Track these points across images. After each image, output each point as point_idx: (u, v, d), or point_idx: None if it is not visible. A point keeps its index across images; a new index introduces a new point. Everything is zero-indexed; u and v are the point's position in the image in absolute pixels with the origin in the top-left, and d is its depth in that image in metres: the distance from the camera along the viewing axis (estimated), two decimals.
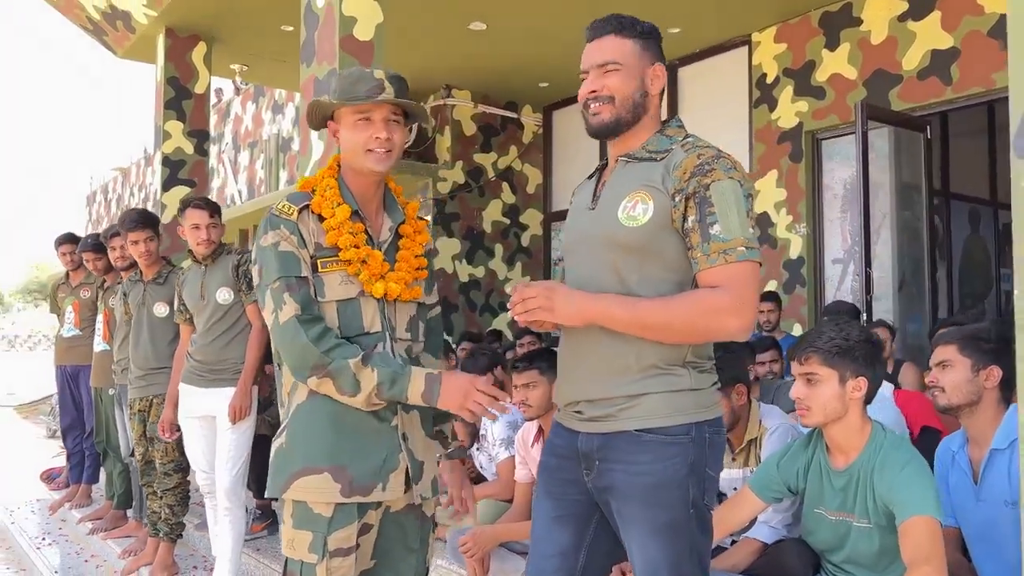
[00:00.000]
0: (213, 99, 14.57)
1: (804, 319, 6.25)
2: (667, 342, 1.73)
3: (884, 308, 5.60)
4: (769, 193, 6.53)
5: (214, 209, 3.67)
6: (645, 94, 1.82)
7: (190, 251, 3.71)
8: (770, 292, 5.99)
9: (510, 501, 3.40)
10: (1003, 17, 4.96)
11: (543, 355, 3.10)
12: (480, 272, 8.50)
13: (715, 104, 7.05)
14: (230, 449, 3.58)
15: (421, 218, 2.14)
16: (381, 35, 4.09)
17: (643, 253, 1.75)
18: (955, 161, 7.52)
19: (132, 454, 4.45)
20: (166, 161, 6.36)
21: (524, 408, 3.11)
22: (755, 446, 2.76)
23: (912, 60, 5.65)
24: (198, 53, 6.57)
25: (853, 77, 5.99)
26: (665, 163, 1.77)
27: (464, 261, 8.42)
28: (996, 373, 2.25)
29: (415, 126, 2.00)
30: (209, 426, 3.68)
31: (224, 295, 3.62)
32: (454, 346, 6.19)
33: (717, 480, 1.84)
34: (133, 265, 4.35)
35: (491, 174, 8.63)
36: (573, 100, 7.88)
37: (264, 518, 4.42)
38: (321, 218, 1.91)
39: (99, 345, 5.02)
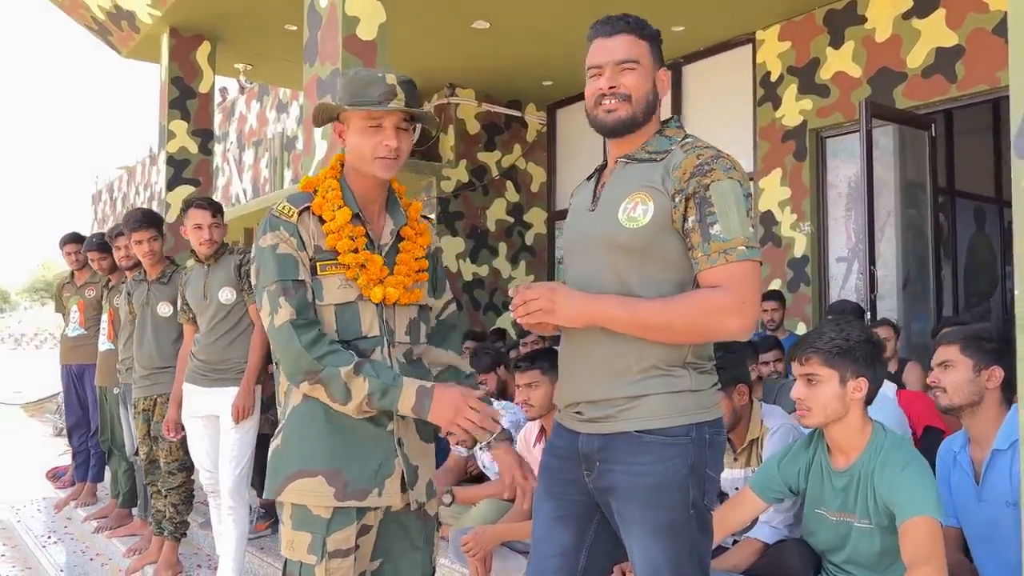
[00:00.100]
0: (218, 98, 14.59)
1: (808, 318, 6.24)
2: (668, 342, 1.73)
3: (888, 307, 5.59)
4: (773, 191, 6.52)
5: (216, 209, 3.68)
6: (656, 96, 1.83)
7: (193, 251, 3.72)
8: (774, 291, 5.99)
9: (512, 501, 3.40)
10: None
11: (545, 355, 3.10)
12: (484, 271, 8.51)
13: (719, 102, 7.04)
14: (233, 448, 3.59)
15: (426, 217, 2.13)
16: (384, 35, 4.10)
17: (644, 254, 1.75)
18: (960, 159, 7.50)
19: (136, 453, 4.47)
20: (170, 160, 6.38)
21: (526, 408, 3.12)
22: (756, 446, 2.76)
23: (917, 58, 5.63)
24: (202, 53, 6.58)
25: (857, 75, 5.97)
26: (665, 164, 1.77)
27: (468, 260, 8.42)
28: (998, 373, 2.25)
29: (418, 126, 1.98)
30: (213, 425, 3.69)
31: (227, 295, 3.63)
32: None
33: (717, 481, 1.84)
34: (137, 264, 4.37)
35: (495, 173, 8.63)
36: (577, 98, 7.87)
37: (268, 517, 4.43)
38: (322, 220, 1.90)
39: (104, 344, 5.04)
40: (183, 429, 3.82)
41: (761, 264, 1.75)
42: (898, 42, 5.73)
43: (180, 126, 6.42)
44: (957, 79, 5.42)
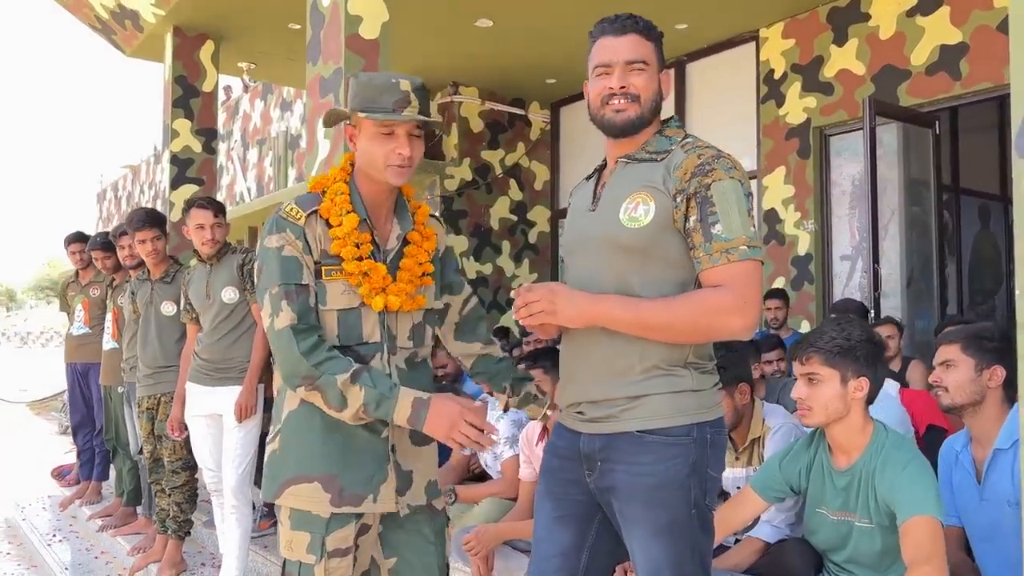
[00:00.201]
0: (222, 96, 14.61)
1: (812, 316, 6.23)
2: (670, 342, 1.73)
3: (892, 305, 5.58)
4: (777, 189, 6.51)
5: (218, 209, 3.69)
6: (661, 97, 1.83)
7: (195, 250, 3.73)
8: (778, 289, 5.98)
9: (515, 499, 3.40)
10: None
11: (547, 354, 3.10)
12: (488, 269, 8.51)
13: (723, 100, 7.02)
14: (236, 447, 3.60)
15: (436, 217, 2.12)
16: (387, 34, 4.10)
17: (645, 254, 1.75)
18: (965, 156, 7.48)
19: (140, 452, 4.48)
20: (174, 159, 6.39)
21: None
22: (758, 445, 2.76)
23: (921, 55, 5.61)
24: (206, 52, 6.59)
25: (861, 73, 5.96)
26: (665, 164, 1.77)
27: (471, 258, 8.42)
28: (999, 373, 2.24)
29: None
30: (216, 424, 3.70)
31: (229, 294, 3.64)
32: None
33: (718, 480, 1.85)
34: (141, 264, 4.38)
35: (498, 171, 8.63)
36: (581, 96, 7.86)
37: (271, 515, 4.44)
38: (329, 224, 1.89)
39: (108, 343, 5.05)
40: (186, 428, 3.83)
41: (763, 263, 1.75)
42: (902, 39, 5.72)
43: (184, 125, 6.43)
44: (961, 76, 5.40)
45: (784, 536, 2.51)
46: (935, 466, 2.36)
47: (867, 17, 5.93)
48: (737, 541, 2.61)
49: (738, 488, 2.67)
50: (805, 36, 6.34)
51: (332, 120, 1.98)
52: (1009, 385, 2.24)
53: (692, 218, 1.71)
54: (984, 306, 7.61)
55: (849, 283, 6.16)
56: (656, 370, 1.75)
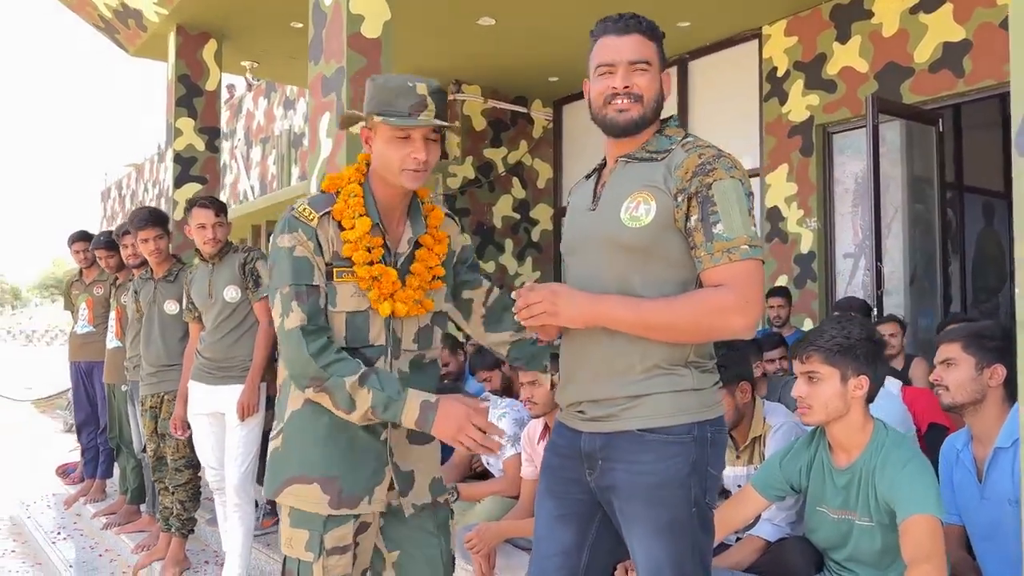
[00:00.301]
0: (225, 95, 14.64)
1: (815, 314, 6.22)
2: (672, 342, 1.74)
3: (896, 303, 5.57)
4: (780, 187, 6.50)
5: (220, 208, 3.70)
6: (663, 97, 1.83)
7: (197, 250, 3.74)
8: (780, 287, 5.98)
9: (516, 497, 3.41)
10: None
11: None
12: (490, 267, 8.51)
13: (725, 98, 7.01)
14: (239, 446, 3.62)
15: (451, 216, 2.11)
16: (389, 32, 4.10)
17: (646, 253, 1.75)
18: (969, 154, 7.45)
19: (144, 450, 4.50)
20: (178, 158, 6.40)
21: (530, 405, 3.12)
22: (759, 444, 2.76)
23: (924, 53, 5.60)
24: (209, 50, 6.60)
25: (864, 70, 5.94)
26: (666, 163, 1.77)
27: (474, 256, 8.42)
28: (1000, 371, 2.24)
29: None
30: (218, 423, 3.72)
31: (231, 293, 3.65)
32: (463, 342, 6.20)
33: (719, 479, 1.85)
34: (145, 263, 4.39)
35: (501, 169, 8.63)
36: (583, 94, 7.86)
37: (274, 513, 4.45)
38: (341, 226, 1.89)
39: (112, 342, 5.07)
40: (189, 427, 3.84)
41: (763, 262, 1.75)
42: (905, 37, 5.70)
43: (187, 124, 6.43)
44: (965, 74, 5.39)
45: (785, 534, 2.52)
46: (937, 464, 2.36)
47: (870, 14, 5.92)
48: (738, 539, 2.61)
49: (739, 486, 2.67)
50: (808, 34, 6.33)
51: (347, 123, 1.97)
52: (1010, 384, 2.23)
53: (693, 217, 1.71)
54: (988, 304, 7.59)
55: (852, 281, 6.15)
56: (657, 369, 1.75)
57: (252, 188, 14.10)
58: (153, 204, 18.49)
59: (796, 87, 6.39)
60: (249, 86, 14.15)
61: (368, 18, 4.02)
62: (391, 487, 1.96)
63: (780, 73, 6.51)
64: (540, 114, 8.82)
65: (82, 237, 5.66)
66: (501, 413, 3.65)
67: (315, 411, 1.91)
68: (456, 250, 2.11)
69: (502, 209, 8.63)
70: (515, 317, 1.79)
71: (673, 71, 7.20)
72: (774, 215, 6.51)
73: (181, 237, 5.62)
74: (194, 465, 4.03)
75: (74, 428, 6.49)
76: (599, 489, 1.82)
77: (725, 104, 7.00)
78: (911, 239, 5.71)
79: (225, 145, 14.80)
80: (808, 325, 6.10)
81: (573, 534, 1.88)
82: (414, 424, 1.81)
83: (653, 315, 1.70)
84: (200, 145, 6.47)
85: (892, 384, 3.55)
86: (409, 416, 1.81)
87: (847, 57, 6.05)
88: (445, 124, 1.88)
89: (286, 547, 1.95)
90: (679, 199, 1.72)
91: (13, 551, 5.30)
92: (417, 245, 1.99)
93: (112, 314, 5.09)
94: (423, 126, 1.85)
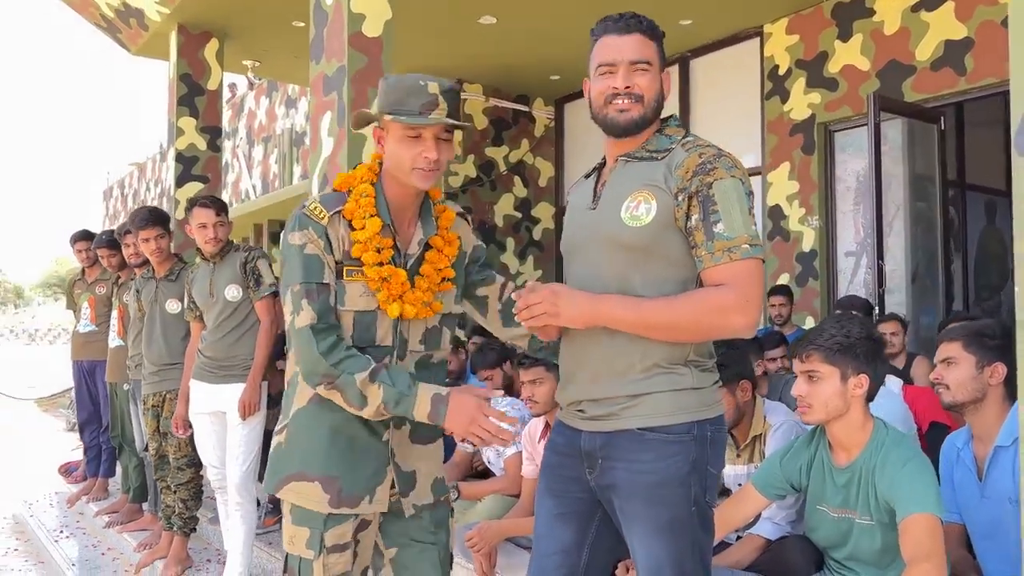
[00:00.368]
0: (227, 94, 14.65)
1: (817, 312, 6.22)
2: (672, 341, 1.74)
3: (897, 301, 5.57)
4: (781, 185, 6.50)
5: (221, 207, 3.71)
6: (663, 97, 1.83)
7: (198, 249, 3.75)
8: (782, 286, 5.98)
9: (517, 496, 3.41)
10: None
11: None
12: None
13: (727, 96, 7.01)
14: (240, 445, 3.62)
15: (464, 216, 2.10)
16: (390, 31, 4.10)
17: (646, 252, 1.75)
18: (971, 151, 7.44)
19: (146, 449, 4.51)
20: (179, 157, 6.40)
21: (531, 404, 3.13)
22: (759, 442, 2.76)
23: (925, 51, 5.59)
24: (210, 50, 6.60)
25: (866, 68, 5.94)
26: (667, 162, 1.77)
27: None
28: (1000, 370, 2.24)
29: None
30: (219, 422, 3.72)
31: (233, 292, 3.65)
32: (464, 340, 6.21)
33: (718, 478, 1.85)
34: (146, 262, 4.40)
35: (503, 168, 8.63)
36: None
37: (276, 512, 4.46)
38: (352, 226, 1.88)
39: (114, 341, 5.08)
40: (191, 426, 3.85)
41: (764, 262, 1.75)
42: (907, 35, 5.70)
43: (189, 123, 6.44)
44: (966, 72, 5.38)
45: (785, 533, 2.52)
46: (938, 463, 2.36)
47: (871, 12, 5.91)
48: (738, 538, 2.61)
49: (739, 485, 2.68)
50: (809, 32, 6.32)
51: (360, 123, 1.97)
52: (1010, 382, 2.23)
53: (694, 217, 1.71)
54: (990, 302, 7.58)
55: (854, 279, 6.15)
56: (657, 368, 1.75)
57: (254, 187, 14.11)
58: (155, 203, 18.53)
59: (798, 85, 6.38)
60: (251, 85, 14.14)
61: (369, 17, 4.03)
62: (392, 487, 1.96)
63: (782, 71, 6.51)
64: (542, 113, 8.81)
65: (84, 236, 5.67)
66: (502, 411, 3.66)
67: (319, 410, 1.91)
68: (467, 251, 2.10)
69: (503, 208, 8.63)
70: (515, 318, 1.79)
71: (675, 69, 7.20)
72: (776, 213, 6.51)
73: (182, 236, 5.63)
74: (196, 464, 4.04)
75: (77, 427, 6.51)
76: (599, 488, 1.83)
77: (727, 102, 6.99)
78: (913, 237, 5.70)
79: (227, 144, 14.81)
80: (810, 323, 6.10)
81: (573, 533, 1.89)
82: (426, 418, 1.81)
83: (653, 314, 1.71)
84: (202, 144, 6.47)
85: (893, 383, 3.55)
86: (421, 410, 1.80)
87: (849, 55, 6.05)
88: (455, 123, 1.87)
89: (288, 544, 1.95)
90: (680, 198, 1.72)
91: (16, 549, 5.32)
92: (427, 246, 1.98)
93: (114, 313, 5.10)
94: (433, 124, 1.84)
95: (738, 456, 2.80)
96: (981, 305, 7.43)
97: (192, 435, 3.88)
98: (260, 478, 4.02)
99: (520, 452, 3.48)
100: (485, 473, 3.98)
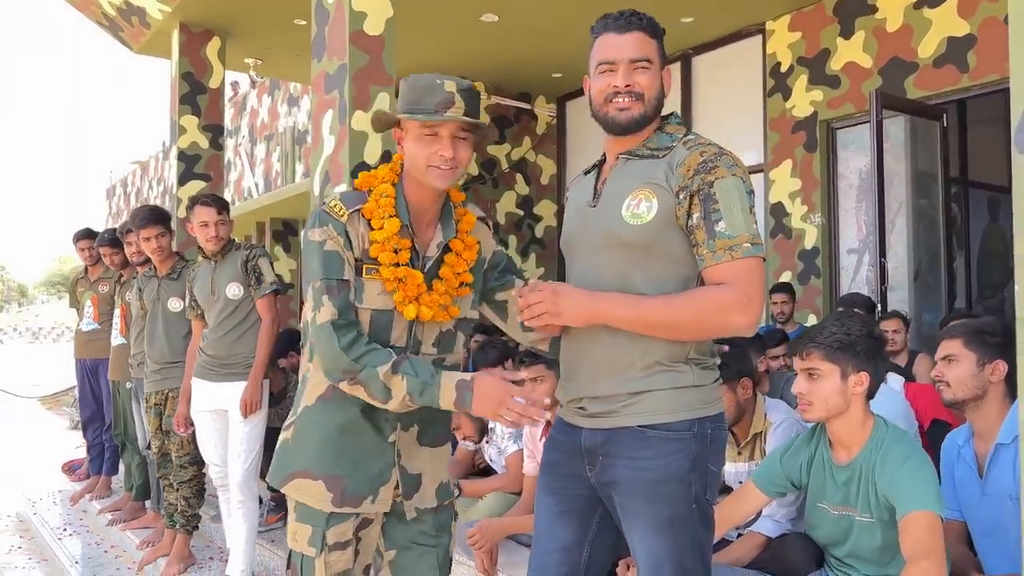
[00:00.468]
0: (229, 92, 14.65)
1: (819, 310, 6.21)
2: (673, 339, 1.74)
3: (900, 298, 5.56)
4: (784, 183, 6.49)
5: (222, 206, 3.71)
6: (663, 95, 1.83)
7: (200, 247, 3.75)
8: (784, 283, 5.97)
9: (519, 494, 3.42)
10: None
11: None
12: None
13: (729, 93, 7.00)
14: (242, 443, 3.63)
15: (485, 221, 2.08)
16: (391, 30, 4.10)
17: (647, 251, 1.76)
18: (974, 148, 7.43)
19: (149, 447, 4.52)
20: (182, 156, 6.41)
21: None
22: (760, 440, 2.77)
23: (928, 48, 5.58)
24: (212, 48, 6.60)
25: (868, 65, 5.93)
26: (667, 160, 1.78)
27: None
28: (1001, 367, 2.24)
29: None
30: (221, 420, 3.73)
31: (234, 290, 3.66)
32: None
33: (719, 475, 1.86)
34: (148, 260, 4.41)
35: (505, 165, 8.63)
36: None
37: (278, 510, 4.47)
38: (371, 226, 1.88)
39: (116, 339, 5.09)
40: (192, 424, 3.85)
41: (764, 260, 1.76)
42: (909, 32, 5.68)
43: (191, 121, 6.44)
44: (969, 69, 5.37)
45: (785, 531, 2.52)
46: (939, 461, 2.36)
47: (874, 9, 5.90)
48: (739, 535, 2.62)
49: (740, 483, 2.68)
50: (811, 29, 6.31)
51: (381, 125, 1.96)
52: (1011, 380, 2.23)
53: (695, 215, 1.71)
54: (992, 300, 7.57)
55: (856, 277, 6.14)
56: (658, 366, 1.76)
57: (256, 185, 14.12)
58: (157, 201, 18.55)
59: (800, 82, 6.37)
60: (253, 83, 14.15)
61: (370, 15, 4.03)
62: (396, 488, 1.96)
63: (784, 68, 6.50)
64: (544, 110, 8.80)
65: (87, 235, 5.68)
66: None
67: (327, 408, 1.92)
68: (487, 256, 2.07)
69: (506, 205, 8.63)
70: (517, 317, 1.79)
71: (676, 67, 7.19)
72: (778, 211, 6.50)
73: (184, 235, 5.64)
74: (198, 462, 4.05)
75: (80, 425, 6.53)
76: (599, 485, 1.83)
77: (729, 100, 6.99)
78: (915, 235, 5.69)
79: (229, 142, 14.82)
80: (812, 321, 6.10)
81: (573, 530, 1.89)
82: (452, 406, 1.80)
83: (655, 313, 1.71)
84: (204, 142, 6.47)
85: (895, 380, 3.55)
86: (447, 398, 1.79)
87: (851, 52, 6.04)
88: (470, 120, 1.86)
89: (291, 541, 1.96)
90: (681, 197, 1.72)
91: (19, 547, 5.33)
92: (447, 249, 1.97)
93: (117, 311, 5.11)
94: (448, 121, 1.83)
95: (739, 454, 2.80)
96: (984, 303, 7.42)
97: (194, 433, 3.89)
98: (262, 476, 4.04)
99: (521, 450, 3.48)
100: (487, 471, 3.99)
